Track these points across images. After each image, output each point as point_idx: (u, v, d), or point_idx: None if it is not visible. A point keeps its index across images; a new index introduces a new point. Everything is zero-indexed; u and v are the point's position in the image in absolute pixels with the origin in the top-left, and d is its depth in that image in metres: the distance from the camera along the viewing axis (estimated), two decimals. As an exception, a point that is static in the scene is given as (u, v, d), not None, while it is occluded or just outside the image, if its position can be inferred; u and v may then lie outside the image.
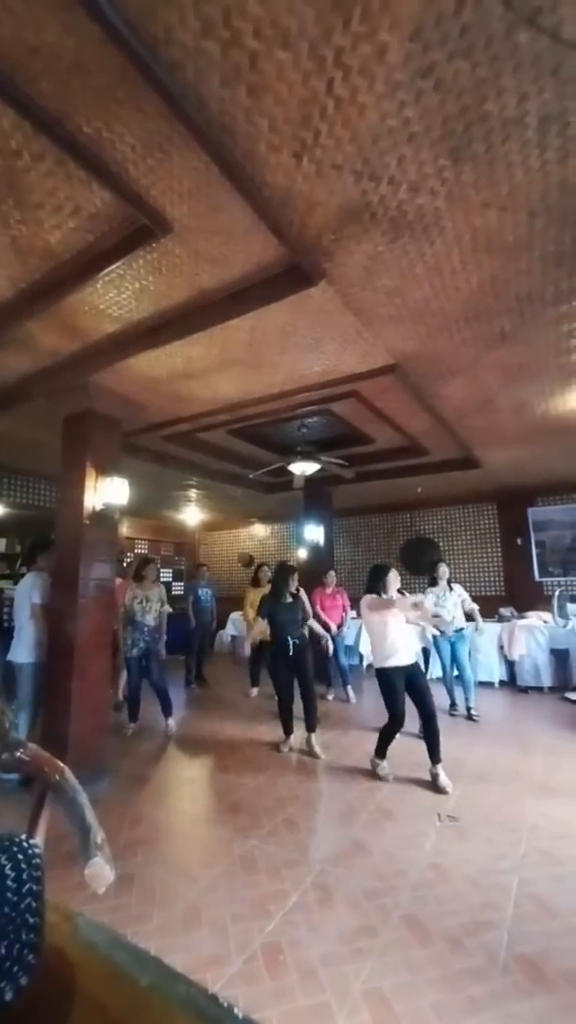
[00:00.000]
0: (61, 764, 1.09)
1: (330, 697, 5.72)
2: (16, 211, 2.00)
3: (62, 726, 3.27)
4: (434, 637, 5.23)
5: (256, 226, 2.05)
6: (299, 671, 4.09)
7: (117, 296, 2.57)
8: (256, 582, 5.97)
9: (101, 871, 0.89)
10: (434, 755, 3.33)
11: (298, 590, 4.29)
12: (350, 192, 1.90)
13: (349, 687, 5.74)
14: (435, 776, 3.29)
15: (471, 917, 2.03)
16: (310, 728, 4.02)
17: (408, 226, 2.08)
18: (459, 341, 3.05)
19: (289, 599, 4.20)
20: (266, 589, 5.87)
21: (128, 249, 2.17)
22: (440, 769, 3.30)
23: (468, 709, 4.89)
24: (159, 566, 4.87)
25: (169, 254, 2.26)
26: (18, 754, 1.14)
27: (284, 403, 4.07)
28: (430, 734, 3.37)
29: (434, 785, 3.25)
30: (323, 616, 5.60)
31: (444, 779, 3.25)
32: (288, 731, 4.09)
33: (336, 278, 2.43)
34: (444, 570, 5.12)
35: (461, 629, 5.04)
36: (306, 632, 4.25)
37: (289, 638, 4.07)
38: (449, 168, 1.79)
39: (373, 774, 3.48)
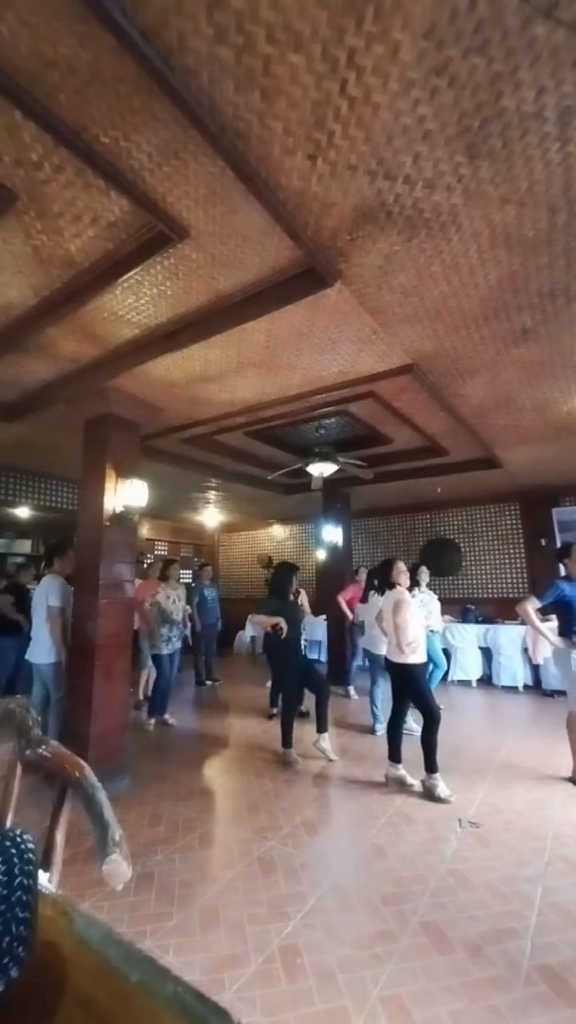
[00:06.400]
0: (81, 761, 1.11)
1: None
2: (38, 221, 2.05)
3: (83, 724, 3.33)
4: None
5: (271, 229, 2.06)
6: (310, 672, 4.09)
7: (135, 302, 2.61)
8: None
9: (118, 868, 0.90)
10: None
11: (298, 591, 4.33)
12: (365, 192, 1.89)
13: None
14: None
15: (492, 925, 1.99)
16: (323, 729, 3.93)
17: (424, 224, 2.06)
18: (478, 339, 3.00)
19: (291, 599, 4.21)
20: None
21: (146, 255, 2.21)
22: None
23: None
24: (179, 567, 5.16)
25: (186, 259, 2.28)
26: (40, 750, 1.17)
27: (301, 404, 4.07)
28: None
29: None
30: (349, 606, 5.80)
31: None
32: (291, 742, 3.89)
33: (352, 279, 2.42)
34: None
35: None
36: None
37: (301, 639, 4.12)
38: (465, 165, 1.77)
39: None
